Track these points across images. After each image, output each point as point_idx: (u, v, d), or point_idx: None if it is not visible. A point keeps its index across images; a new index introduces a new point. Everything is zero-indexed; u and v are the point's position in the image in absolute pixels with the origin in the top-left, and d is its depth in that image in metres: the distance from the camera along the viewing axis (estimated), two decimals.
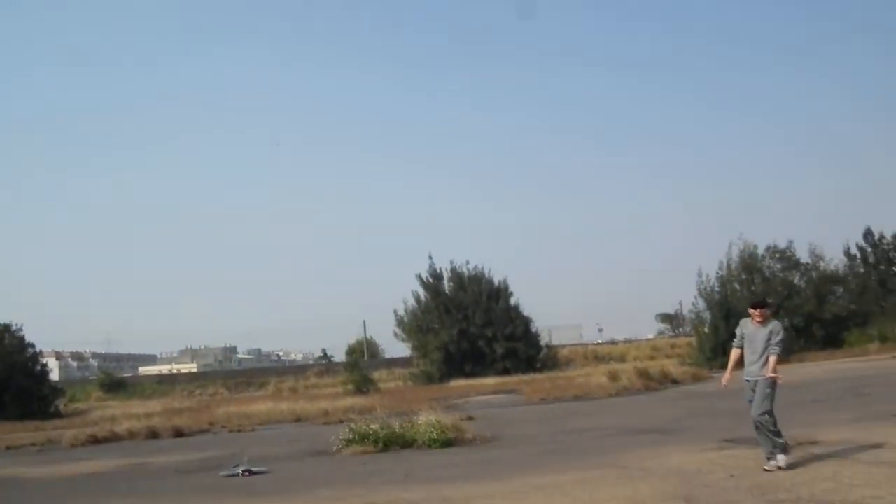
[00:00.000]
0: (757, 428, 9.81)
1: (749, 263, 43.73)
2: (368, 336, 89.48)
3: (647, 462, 11.27)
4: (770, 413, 9.67)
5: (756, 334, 9.99)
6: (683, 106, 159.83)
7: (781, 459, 9.62)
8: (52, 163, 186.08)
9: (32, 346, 46.23)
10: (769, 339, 9.85)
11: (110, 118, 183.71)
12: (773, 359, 9.78)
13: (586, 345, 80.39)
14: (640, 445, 13.56)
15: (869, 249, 46.22)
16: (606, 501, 8.53)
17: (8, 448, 23.03)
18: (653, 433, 15.60)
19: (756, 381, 9.83)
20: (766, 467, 9.63)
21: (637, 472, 10.40)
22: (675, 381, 30.72)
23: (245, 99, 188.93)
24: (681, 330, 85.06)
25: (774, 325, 10.02)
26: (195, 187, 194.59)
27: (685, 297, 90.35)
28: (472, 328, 52.36)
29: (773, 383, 9.75)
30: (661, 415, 19.45)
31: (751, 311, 10.17)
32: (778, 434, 9.69)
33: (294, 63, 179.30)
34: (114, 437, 23.28)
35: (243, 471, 13.73)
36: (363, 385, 41.13)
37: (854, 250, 46.36)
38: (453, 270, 56.61)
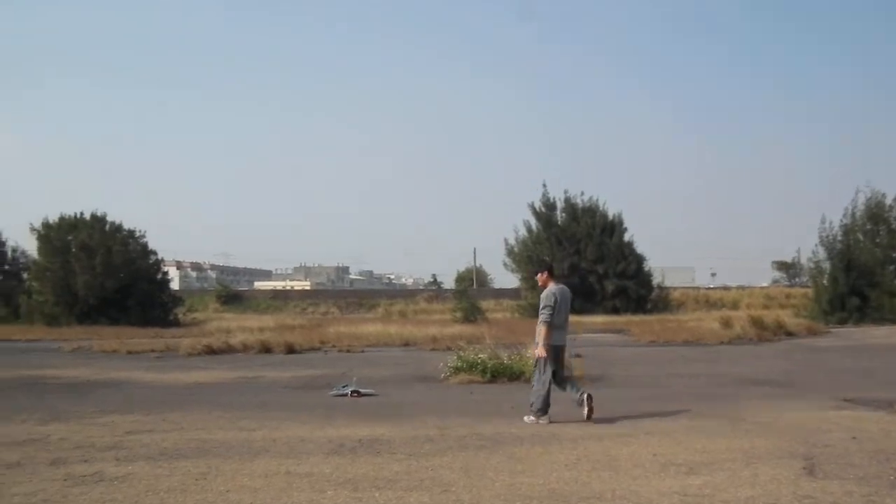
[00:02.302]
0: None
1: (875, 213, 41.15)
2: (478, 265, 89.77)
3: (762, 415, 10.89)
4: None
5: None
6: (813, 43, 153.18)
7: None
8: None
9: (155, 253, 47.74)
10: None
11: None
12: None
13: (698, 288, 78.88)
14: (755, 397, 13.14)
15: None
16: (721, 453, 8.24)
17: (129, 353, 24.03)
18: (767, 385, 15.12)
19: None
20: None
21: (752, 426, 10.04)
22: (789, 333, 29.76)
23: None
24: (797, 280, 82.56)
25: None
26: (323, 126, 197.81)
27: (804, 246, 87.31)
28: (583, 263, 51.83)
29: None
30: (776, 367, 18.87)
31: None
32: None
33: None
34: (228, 350, 24.01)
35: (352, 391, 13.91)
36: (471, 313, 41.30)
37: None
38: (567, 201, 55.87)
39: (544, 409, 10.64)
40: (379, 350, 24.88)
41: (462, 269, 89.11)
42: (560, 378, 10.99)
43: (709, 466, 7.58)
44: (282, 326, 35.78)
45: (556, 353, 10.86)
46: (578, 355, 19.12)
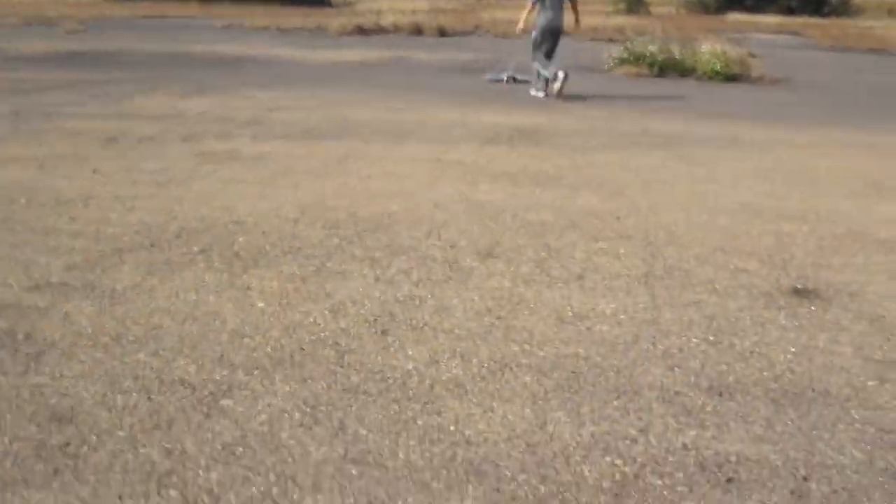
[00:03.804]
0: None
1: None
2: None
3: None
4: None
5: None
6: None
7: None
8: None
9: None
10: None
11: None
12: None
13: None
14: None
15: None
16: None
17: (279, 30, 23.37)
18: None
19: None
20: None
21: None
22: None
23: None
24: None
25: None
26: None
27: None
28: None
29: None
30: None
31: None
32: None
33: None
34: (378, 31, 23.00)
35: (508, 77, 12.87)
36: (634, 5, 38.64)
37: None
38: None
39: (545, 84, 11.29)
40: None
41: None
42: (550, 57, 11.40)
43: None
44: (434, 9, 34.27)
45: (548, 34, 11.23)
46: (752, 55, 17.27)
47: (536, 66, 11.40)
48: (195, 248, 4.32)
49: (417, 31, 22.91)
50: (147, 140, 7.28)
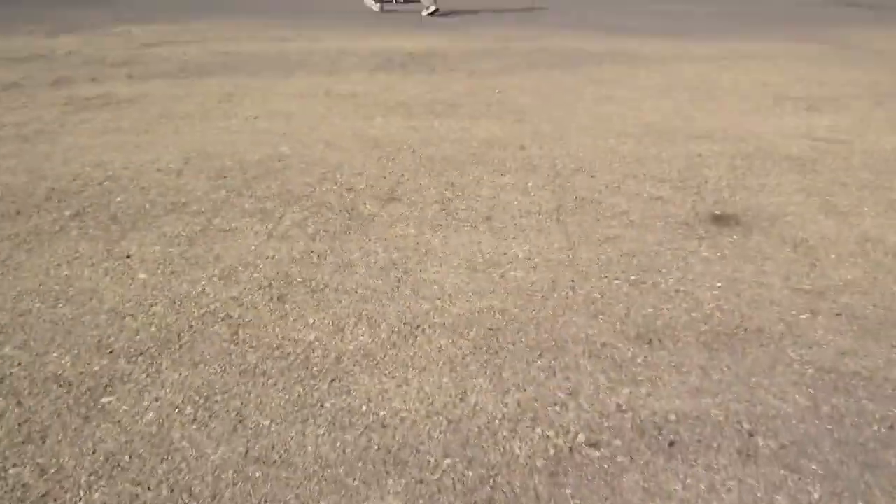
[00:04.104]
0: None
1: None
2: None
3: (872, 43, 9.37)
4: None
5: None
6: None
7: None
8: None
9: None
10: None
11: None
12: None
13: None
14: (854, 21, 11.48)
15: None
16: (841, 86, 6.91)
17: None
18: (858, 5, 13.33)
19: None
20: None
21: (862, 54, 8.59)
22: None
23: None
24: None
25: None
26: None
27: None
28: None
29: None
30: None
31: None
32: None
33: None
34: None
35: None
36: None
37: None
38: None
39: None
40: None
41: None
42: None
43: (833, 103, 6.24)
44: None
45: None
46: None
47: None
48: (67, 213, 3.90)
49: None
50: (10, 87, 6.68)
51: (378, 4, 11.38)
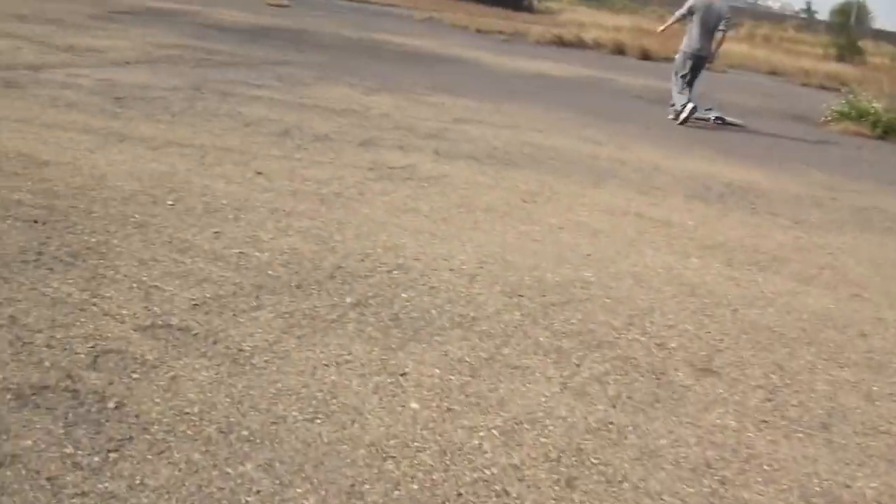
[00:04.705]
0: None
1: None
2: None
3: None
4: None
5: None
6: None
7: None
8: None
9: None
10: None
11: None
12: None
13: None
14: None
15: None
16: None
17: (477, 31, 22.74)
18: None
19: None
20: None
21: None
22: None
23: None
24: None
25: None
26: None
27: None
28: None
29: None
30: None
31: None
32: None
33: None
34: (579, 44, 22.06)
35: (715, 118, 11.70)
36: (848, 51, 35.97)
37: None
38: None
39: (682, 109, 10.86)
40: (742, 73, 21.87)
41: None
42: (691, 85, 11.11)
43: None
44: (637, 29, 33.01)
45: (689, 62, 10.94)
46: None
47: (673, 90, 11.20)
48: (348, 300, 3.55)
49: (619, 50, 21.83)
50: (321, 139, 6.63)
51: (685, 114, 10.74)
